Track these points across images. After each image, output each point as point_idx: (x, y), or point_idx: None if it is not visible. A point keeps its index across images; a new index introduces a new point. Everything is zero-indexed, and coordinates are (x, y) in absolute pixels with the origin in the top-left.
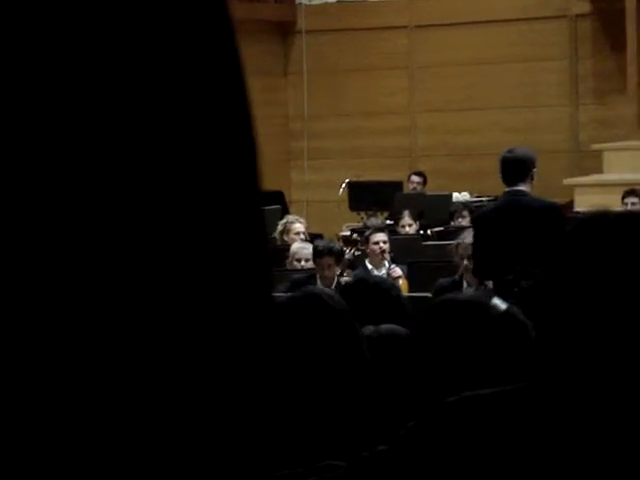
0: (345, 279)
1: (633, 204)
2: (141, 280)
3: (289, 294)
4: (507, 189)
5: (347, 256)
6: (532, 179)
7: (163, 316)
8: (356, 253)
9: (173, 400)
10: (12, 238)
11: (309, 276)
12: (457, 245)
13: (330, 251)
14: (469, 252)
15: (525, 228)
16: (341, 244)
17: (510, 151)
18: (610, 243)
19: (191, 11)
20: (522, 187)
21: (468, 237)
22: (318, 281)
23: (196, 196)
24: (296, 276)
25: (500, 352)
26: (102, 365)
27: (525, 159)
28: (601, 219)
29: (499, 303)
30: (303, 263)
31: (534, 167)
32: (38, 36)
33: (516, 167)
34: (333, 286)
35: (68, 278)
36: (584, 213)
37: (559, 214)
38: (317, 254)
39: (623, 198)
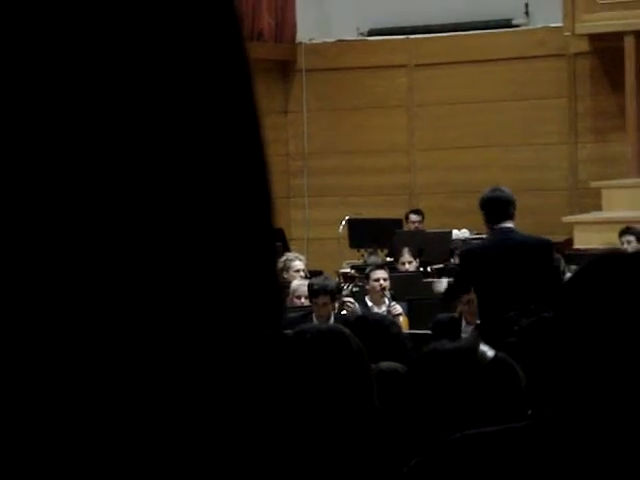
0: (350, 306)
1: (629, 242)
2: (145, 296)
3: (314, 326)
4: (496, 226)
5: (345, 292)
6: (514, 218)
7: (167, 324)
8: (354, 289)
9: (172, 403)
10: (13, 238)
11: (304, 314)
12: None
13: (325, 290)
14: (468, 296)
15: (517, 264)
16: (341, 280)
17: (495, 190)
18: (622, 283)
19: (207, 39)
20: (510, 224)
21: None
22: (314, 319)
23: (208, 221)
24: (291, 315)
25: (491, 398)
26: (102, 365)
27: (511, 198)
28: (613, 258)
29: (486, 350)
30: (303, 300)
31: (516, 207)
32: (40, 36)
33: (503, 205)
34: (331, 322)
35: (69, 278)
36: (596, 252)
37: (550, 249)
38: (312, 293)
39: (620, 236)
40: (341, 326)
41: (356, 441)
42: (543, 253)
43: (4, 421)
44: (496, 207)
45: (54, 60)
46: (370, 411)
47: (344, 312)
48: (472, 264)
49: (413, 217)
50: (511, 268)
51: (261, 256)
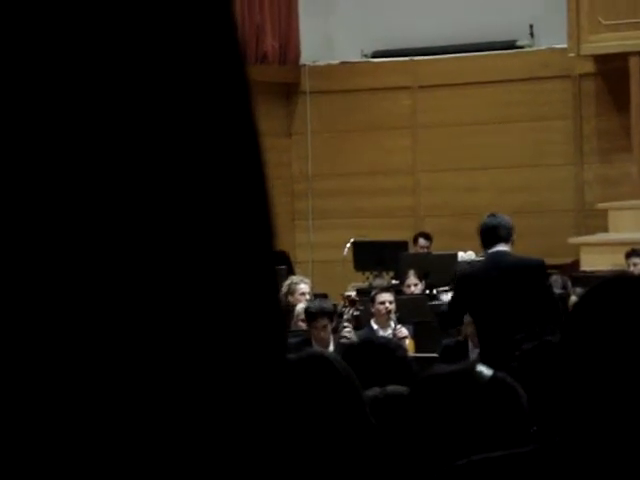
0: (347, 334)
1: (635, 264)
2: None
3: (295, 354)
4: (492, 250)
5: (346, 316)
6: (513, 244)
7: (164, 347)
8: (355, 313)
9: (172, 404)
10: (12, 238)
11: (304, 340)
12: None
13: (323, 312)
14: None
15: (514, 285)
16: (345, 303)
17: (494, 215)
18: (630, 306)
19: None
20: (506, 247)
21: None
22: (314, 343)
23: (206, 244)
24: (291, 340)
25: (492, 417)
26: (102, 365)
27: (509, 224)
28: (621, 282)
29: (484, 370)
30: None
31: (514, 233)
32: (38, 36)
33: (501, 230)
34: (331, 347)
35: (68, 278)
36: (603, 274)
37: (544, 270)
38: (310, 317)
39: (626, 258)
40: (322, 350)
41: (355, 467)
42: (535, 273)
43: (4, 421)
44: (488, 232)
45: (53, 61)
46: (366, 432)
47: (344, 338)
48: (466, 288)
49: (422, 241)
50: (504, 290)
51: (262, 280)
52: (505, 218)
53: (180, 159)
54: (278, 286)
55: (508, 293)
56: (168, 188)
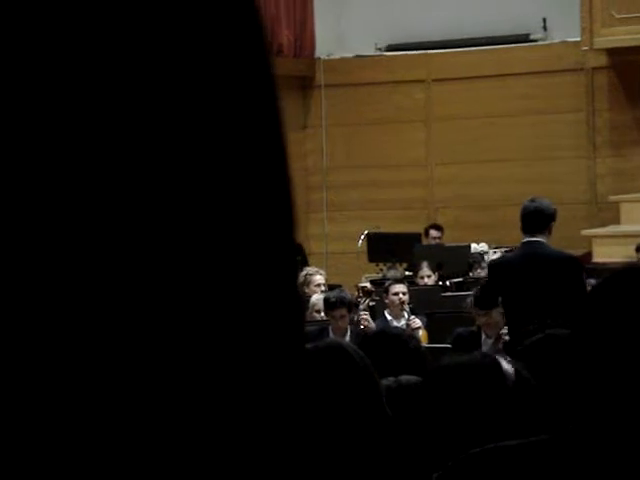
0: (366, 320)
1: None
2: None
3: (312, 344)
4: (525, 239)
5: (362, 306)
6: (550, 232)
7: (178, 337)
8: (371, 304)
9: (172, 403)
10: (12, 238)
11: (321, 329)
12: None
13: (342, 302)
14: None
15: (544, 279)
16: (360, 294)
17: (533, 200)
18: None
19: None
20: (540, 238)
21: None
22: (330, 333)
23: (228, 238)
24: (308, 329)
25: (506, 406)
26: (102, 365)
27: (547, 211)
28: (632, 273)
29: (506, 367)
30: (323, 314)
31: (554, 220)
32: (41, 35)
33: (537, 218)
34: (347, 336)
35: (69, 279)
36: (615, 265)
37: (578, 266)
38: (330, 306)
39: (637, 251)
40: (340, 340)
41: (372, 457)
42: (567, 268)
43: (4, 421)
44: (525, 219)
45: (59, 58)
46: (382, 423)
47: (362, 327)
48: (498, 277)
49: (433, 233)
50: (535, 282)
51: (282, 270)
52: (544, 204)
53: (204, 149)
54: (298, 276)
55: (538, 286)
56: (192, 178)
